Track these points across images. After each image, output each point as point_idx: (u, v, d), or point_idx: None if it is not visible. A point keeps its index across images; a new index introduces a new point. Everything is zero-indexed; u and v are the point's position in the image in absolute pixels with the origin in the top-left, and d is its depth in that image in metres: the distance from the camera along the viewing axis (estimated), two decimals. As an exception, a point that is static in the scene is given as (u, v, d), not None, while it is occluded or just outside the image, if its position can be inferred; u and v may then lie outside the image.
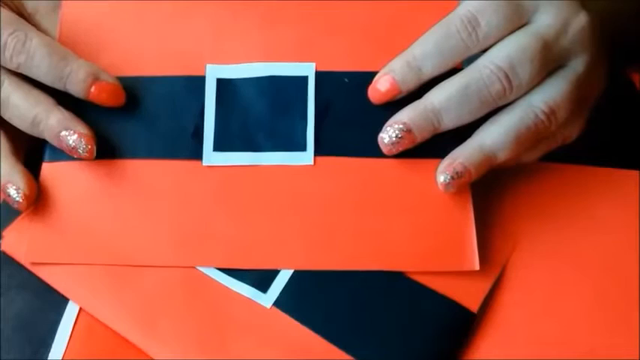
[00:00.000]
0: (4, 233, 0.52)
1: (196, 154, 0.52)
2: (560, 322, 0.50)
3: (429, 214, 0.51)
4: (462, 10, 0.50)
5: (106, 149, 0.52)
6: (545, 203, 0.54)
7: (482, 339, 0.50)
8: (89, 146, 0.51)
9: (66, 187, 0.52)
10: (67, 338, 0.49)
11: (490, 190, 0.53)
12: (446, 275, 0.50)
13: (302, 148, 0.52)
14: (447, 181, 0.50)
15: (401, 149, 0.50)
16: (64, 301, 0.51)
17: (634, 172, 0.54)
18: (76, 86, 0.51)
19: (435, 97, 0.50)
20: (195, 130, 0.52)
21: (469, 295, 0.50)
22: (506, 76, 0.49)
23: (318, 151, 0.52)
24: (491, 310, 0.51)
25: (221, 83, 0.53)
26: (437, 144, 0.51)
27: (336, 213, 0.51)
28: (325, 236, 0.51)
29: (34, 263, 0.51)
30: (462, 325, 0.49)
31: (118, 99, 0.52)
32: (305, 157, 0.52)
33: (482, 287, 0.51)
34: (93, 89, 0.51)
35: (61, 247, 0.51)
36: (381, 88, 0.51)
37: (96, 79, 0.51)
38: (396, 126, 0.50)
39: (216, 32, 0.54)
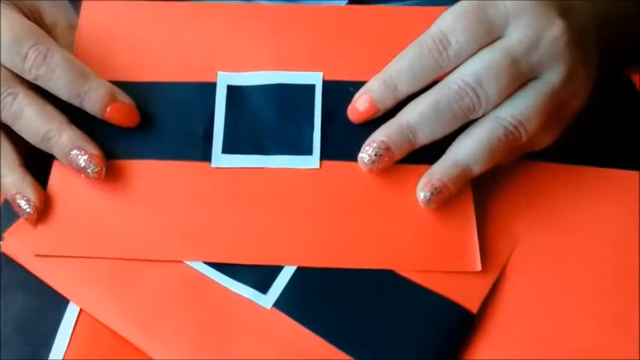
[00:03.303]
0: (5, 235, 0.52)
1: (205, 155, 0.53)
2: (561, 322, 0.50)
3: (430, 215, 0.52)
4: (434, 29, 0.51)
5: (118, 149, 0.53)
6: (545, 203, 0.54)
7: (482, 339, 0.50)
8: (98, 168, 0.51)
9: (77, 184, 0.53)
10: (68, 339, 0.49)
11: (490, 191, 0.53)
12: (446, 276, 0.50)
13: (308, 152, 0.53)
14: (427, 197, 0.51)
15: (381, 167, 0.51)
16: (64, 301, 0.51)
17: (634, 173, 0.54)
18: (92, 104, 0.52)
19: (409, 114, 0.51)
20: (205, 133, 0.53)
21: (469, 296, 0.50)
22: (474, 92, 0.50)
23: (324, 156, 0.53)
24: (491, 310, 0.51)
25: (231, 90, 0.54)
26: (437, 150, 0.52)
27: (340, 214, 0.52)
28: (329, 235, 0.51)
29: (39, 255, 0.51)
30: (461, 325, 0.49)
31: (132, 120, 0.53)
32: (311, 161, 0.53)
33: (482, 287, 0.51)
34: (109, 109, 0.52)
35: (69, 240, 0.52)
36: (359, 107, 0.52)
37: (113, 99, 0.52)
38: (375, 145, 0.51)
39: (227, 40, 0.55)
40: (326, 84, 0.54)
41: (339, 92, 0.53)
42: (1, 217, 0.53)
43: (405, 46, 0.52)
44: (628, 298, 0.51)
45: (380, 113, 0.52)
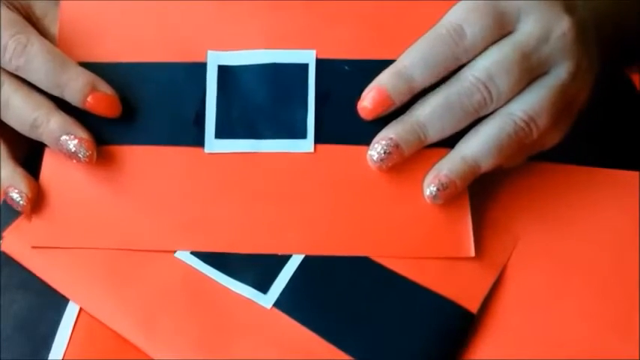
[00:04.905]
0: (5, 234, 0.52)
1: (198, 140, 0.52)
2: (561, 322, 0.50)
3: (425, 202, 0.51)
4: (446, 21, 0.50)
5: (109, 135, 0.52)
6: (545, 203, 0.54)
7: (482, 339, 0.50)
8: (89, 152, 0.51)
9: (69, 173, 0.52)
10: (68, 338, 0.49)
11: (490, 191, 0.53)
12: (446, 276, 0.50)
13: (302, 135, 0.52)
14: (434, 193, 0.51)
15: (390, 165, 0.51)
16: (64, 301, 0.51)
17: (634, 173, 0.54)
18: (73, 94, 0.51)
19: (420, 110, 0.50)
20: (197, 117, 0.53)
21: (469, 296, 0.50)
22: (486, 87, 0.49)
23: (319, 139, 0.52)
24: (491, 310, 0.51)
25: (222, 70, 0.53)
26: None
27: (334, 200, 0.52)
28: (324, 222, 0.51)
29: (36, 247, 0.51)
30: (461, 325, 0.49)
31: (113, 110, 0.52)
32: (305, 145, 0.52)
33: (482, 287, 0.51)
34: (90, 99, 0.51)
35: (64, 231, 0.52)
36: (371, 102, 0.51)
37: (94, 89, 0.51)
38: (384, 142, 0.51)
39: (217, 18, 0.54)
40: (319, 63, 0.53)
41: (333, 72, 0.52)
42: (1, 217, 0.53)
43: (401, 26, 0.51)
44: (628, 299, 0.51)
45: (393, 107, 0.51)
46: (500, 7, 0.50)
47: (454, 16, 0.50)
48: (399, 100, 0.51)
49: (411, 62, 0.50)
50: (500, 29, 0.50)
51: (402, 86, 0.50)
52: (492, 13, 0.50)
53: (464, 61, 0.50)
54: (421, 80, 0.50)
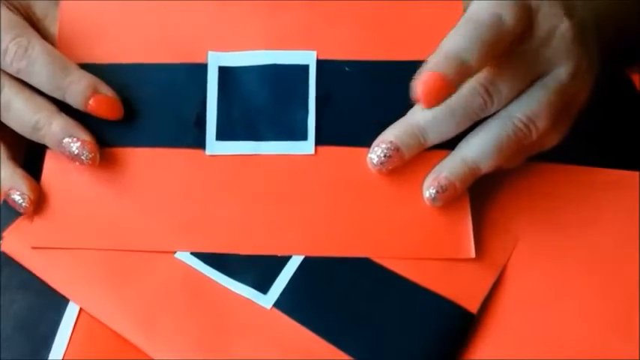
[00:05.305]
0: (5, 234, 0.52)
1: (199, 142, 0.52)
2: (561, 322, 0.50)
3: (425, 203, 0.51)
4: (480, 9, 0.49)
5: (110, 137, 0.52)
6: (545, 203, 0.54)
7: (482, 339, 0.50)
8: (92, 154, 0.51)
9: (70, 174, 0.52)
10: (68, 338, 0.49)
11: (490, 191, 0.53)
12: (446, 276, 0.50)
13: (303, 137, 0.52)
14: (433, 195, 0.51)
15: (390, 168, 0.51)
16: (64, 301, 0.51)
17: (634, 173, 0.54)
18: (75, 97, 0.51)
19: (420, 114, 0.50)
20: (198, 119, 0.53)
21: (469, 296, 0.50)
22: (487, 90, 0.49)
23: (319, 141, 0.52)
24: (491, 310, 0.51)
25: (223, 71, 0.53)
26: None
27: (335, 201, 0.52)
28: (324, 224, 0.51)
29: (36, 248, 0.51)
30: (461, 326, 0.49)
31: (115, 112, 0.52)
32: (306, 147, 0.52)
33: (482, 288, 0.51)
34: (91, 102, 0.51)
35: (65, 232, 0.52)
36: (426, 88, 0.48)
37: (95, 91, 0.51)
38: (383, 145, 0.51)
39: (217, 19, 0.54)
40: (320, 64, 0.53)
41: (334, 73, 0.52)
42: (1, 217, 0.53)
43: (401, 27, 0.51)
44: (628, 299, 0.51)
45: (450, 91, 0.49)
46: (522, 1, 0.50)
47: (485, 6, 0.49)
48: (455, 81, 0.48)
49: (460, 46, 0.48)
50: (529, 20, 0.50)
51: (455, 68, 0.48)
52: (520, 5, 0.49)
53: (506, 47, 0.49)
54: (476, 64, 0.48)
